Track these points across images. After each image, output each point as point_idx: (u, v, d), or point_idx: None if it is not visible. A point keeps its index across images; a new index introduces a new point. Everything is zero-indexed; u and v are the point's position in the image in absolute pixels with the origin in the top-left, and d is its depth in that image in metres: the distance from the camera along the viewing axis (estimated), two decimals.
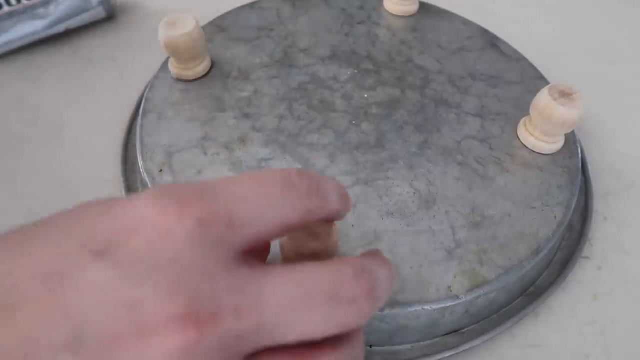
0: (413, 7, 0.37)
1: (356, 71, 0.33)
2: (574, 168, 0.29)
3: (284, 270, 0.14)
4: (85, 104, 0.35)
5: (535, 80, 0.33)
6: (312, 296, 0.14)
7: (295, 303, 0.13)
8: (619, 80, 0.39)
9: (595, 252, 0.30)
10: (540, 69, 0.34)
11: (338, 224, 0.25)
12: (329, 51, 0.34)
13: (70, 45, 0.39)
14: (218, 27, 0.35)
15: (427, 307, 0.23)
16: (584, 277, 0.29)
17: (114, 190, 0.30)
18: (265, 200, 0.14)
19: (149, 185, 0.27)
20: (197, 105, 0.31)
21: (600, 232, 0.30)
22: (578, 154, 0.30)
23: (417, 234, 0.25)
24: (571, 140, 0.30)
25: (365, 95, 0.32)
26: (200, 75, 0.32)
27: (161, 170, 0.27)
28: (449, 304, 0.23)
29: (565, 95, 0.27)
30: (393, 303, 0.23)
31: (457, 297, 0.23)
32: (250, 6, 0.37)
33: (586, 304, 0.28)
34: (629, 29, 0.44)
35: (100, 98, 0.35)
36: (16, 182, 0.31)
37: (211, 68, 0.32)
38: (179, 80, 0.32)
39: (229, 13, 0.36)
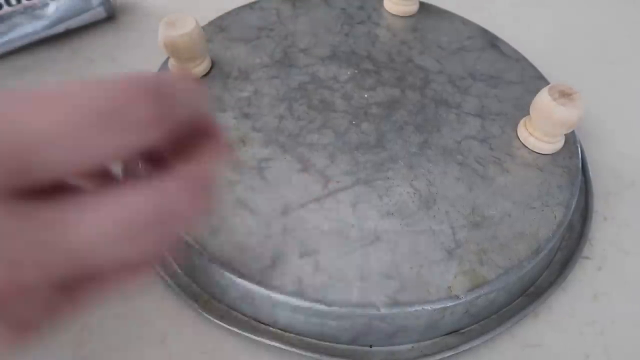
0: (413, 7, 0.37)
1: (356, 71, 0.33)
2: (574, 168, 0.29)
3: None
4: None
5: (535, 80, 0.33)
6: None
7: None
8: (619, 80, 0.39)
9: (595, 252, 0.30)
10: (540, 69, 0.34)
11: (339, 225, 0.25)
12: (329, 51, 0.34)
13: (70, 45, 0.39)
14: (218, 27, 0.35)
15: (427, 307, 0.23)
16: (584, 277, 0.29)
17: None
18: (68, 143, 0.11)
19: None
20: None
21: (600, 232, 0.30)
22: (578, 154, 0.30)
23: (417, 234, 0.25)
24: (571, 140, 0.30)
25: (365, 95, 0.32)
26: (200, 76, 0.32)
27: None
28: (449, 304, 0.23)
29: (565, 95, 0.27)
30: (393, 303, 0.23)
31: (457, 297, 0.23)
32: (250, 6, 0.37)
33: (586, 304, 0.28)
34: (629, 29, 0.44)
35: None
36: None
37: (211, 68, 0.32)
38: None
39: (229, 13, 0.36)
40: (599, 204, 0.31)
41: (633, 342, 0.26)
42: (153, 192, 0.12)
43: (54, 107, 0.12)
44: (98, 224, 0.12)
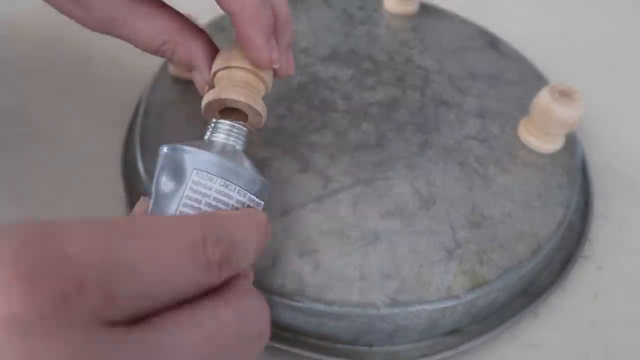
0: (413, 7, 0.37)
1: (356, 71, 0.33)
2: (574, 168, 0.29)
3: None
4: (86, 105, 0.35)
5: (535, 80, 0.33)
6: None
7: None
8: (619, 80, 0.39)
9: (595, 252, 0.30)
10: (540, 69, 0.34)
11: (339, 226, 0.26)
12: (329, 51, 0.34)
13: (70, 45, 0.39)
14: (219, 27, 0.35)
15: (427, 307, 0.23)
16: (584, 277, 0.29)
17: (114, 191, 0.30)
18: (158, 273, 0.12)
19: (149, 186, 0.27)
20: (197, 105, 0.30)
21: (600, 232, 0.30)
22: (578, 154, 0.30)
23: (417, 234, 0.25)
24: (571, 140, 0.30)
25: (366, 95, 0.32)
26: None
27: None
28: (449, 304, 0.23)
29: (565, 95, 0.27)
30: (393, 303, 0.23)
31: (457, 297, 0.23)
32: None
33: (586, 304, 0.28)
34: (630, 29, 0.44)
35: (101, 98, 0.35)
36: (16, 182, 0.31)
37: None
38: (179, 80, 0.32)
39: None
40: (599, 204, 0.31)
41: (633, 342, 0.26)
42: (231, 306, 0.14)
43: (146, 241, 0.13)
44: (192, 342, 0.13)
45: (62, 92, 0.36)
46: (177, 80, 0.32)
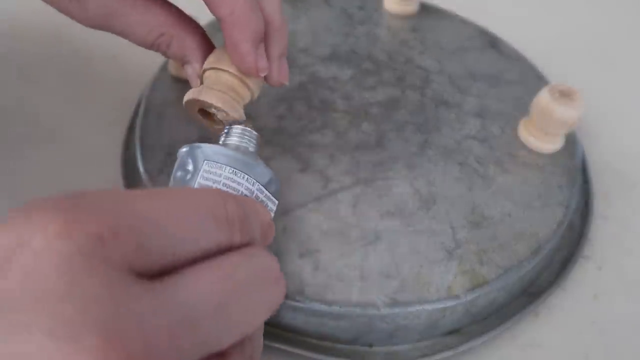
0: (413, 7, 0.37)
1: (356, 71, 0.33)
2: (574, 168, 0.29)
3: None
4: (85, 104, 0.35)
5: (535, 80, 0.33)
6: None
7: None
8: (618, 80, 0.39)
9: (595, 252, 0.30)
10: (540, 69, 0.34)
11: (339, 225, 0.25)
12: (329, 51, 0.34)
13: (70, 44, 0.39)
14: (217, 27, 0.35)
15: (427, 307, 0.23)
16: (584, 277, 0.29)
17: None
18: (184, 228, 0.13)
19: (149, 186, 0.27)
20: None
21: (600, 232, 0.30)
22: (578, 153, 0.30)
23: (417, 234, 0.25)
24: (571, 140, 0.30)
25: (366, 95, 0.32)
26: None
27: (161, 171, 0.27)
28: (449, 304, 0.23)
29: (565, 95, 0.27)
30: (393, 303, 0.23)
31: (457, 297, 0.23)
32: None
33: (586, 304, 0.28)
34: (630, 28, 0.44)
35: (101, 97, 0.35)
36: (16, 182, 0.31)
37: None
38: (179, 80, 0.32)
39: None
40: (599, 204, 0.31)
41: (633, 342, 0.26)
42: (246, 253, 0.15)
43: (172, 201, 0.14)
44: (213, 284, 0.13)
45: (62, 91, 0.36)
46: (177, 79, 0.32)
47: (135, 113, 0.33)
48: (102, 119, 0.34)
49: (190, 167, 0.20)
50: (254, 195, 0.20)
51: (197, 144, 0.20)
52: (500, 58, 0.35)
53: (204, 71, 0.22)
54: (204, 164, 0.19)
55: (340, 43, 0.35)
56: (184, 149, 0.20)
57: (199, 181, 0.19)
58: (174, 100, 0.31)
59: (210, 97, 0.21)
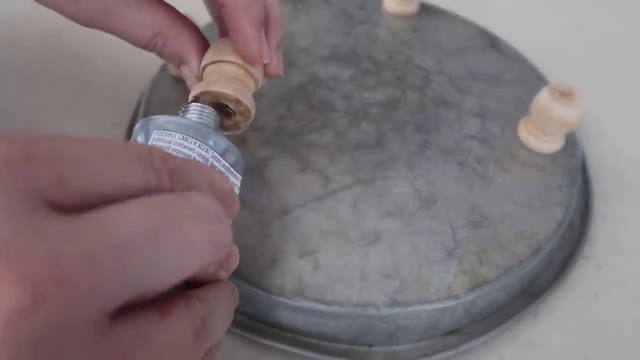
0: (413, 7, 0.37)
1: (356, 71, 0.33)
2: (574, 168, 0.29)
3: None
4: (86, 105, 0.35)
5: (535, 80, 0.33)
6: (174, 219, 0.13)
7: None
8: (619, 80, 0.39)
9: (595, 252, 0.30)
10: (540, 69, 0.34)
11: (339, 225, 0.25)
12: (329, 51, 0.34)
13: (70, 46, 0.39)
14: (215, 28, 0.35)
15: (427, 307, 0.23)
16: (584, 277, 0.29)
17: None
18: (107, 165, 0.13)
19: None
20: None
21: (600, 232, 0.30)
22: (578, 153, 0.30)
23: (417, 234, 0.25)
24: (571, 140, 0.30)
25: (366, 95, 0.32)
26: None
27: None
28: (449, 304, 0.23)
29: (565, 95, 0.27)
30: (393, 303, 0.23)
31: (457, 297, 0.23)
32: None
33: (586, 304, 0.28)
34: (630, 28, 0.44)
35: (101, 99, 0.35)
36: None
37: None
38: (179, 80, 0.32)
39: None
40: (598, 204, 0.31)
41: (633, 342, 0.26)
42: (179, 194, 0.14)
43: (98, 144, 0.13)
44: (140, 214, 0.12)
45: (62, 92, 0.36)
46: (177, 80, 0.32)
47: (136, 113, 0.33)
48: (102, 120, 0.34)
49: (140, 138, 0.19)
50: (209, 162, 0.19)
51: (151, 117, 0.19)
52: (500, 58, 0.35)
53: (204, 68, 0.22)
54: (154, 132, 0.19)
55: (340, 43, 0.35)
56: (138, 124, 0.19)
57: None
58: (175, 101, 0.31)
59: (219, 87, 0.20)
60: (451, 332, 0.25)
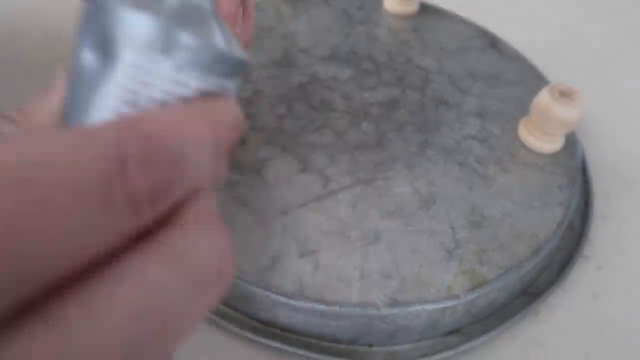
0: (413, 7, 0.37)
1: (356, 71, 0.33)
2: (574, 168, 0.29)
3: None
4: None
5: (535, 80, 0.33)
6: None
7: None
8: (619, 80, 0.39)
9: (595, 252, 0.30)
10: (540, 69, 0.34)
11: (339, 225, 0.25)
12: (329, 51, 0.34)
13: (69, 45, 0.38)
14: None
15: (427, 307, 0.23)
16: (584, 277, 0.29)
17: None
18: (49, 234, 0.08)
19: None
20: None
21: (600, 232, 0.30)
22: (578, 153, 0.30)
23: (417, 234, 0.25)
24: (571, 140, 0.30)
25: (366, 95, 0.32)
26: None
27: None
28: (449, 304, 0.23)
29: (565, 95, 0.27)
30: (393, 303, 0.23)
31: (457, 297, 0.23)
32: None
33: (586, 304, 0.28)
34: (630, 28, 0.44)
35: None
36: None
37: None
38: None
39: None
40: (599, 204, 0.31)
41: (633, 342, 0.26)
42: (171, 254, 0.10)
43: (29, 185, 0.08)
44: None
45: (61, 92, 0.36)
46: None
47: None
48: None
49: (104, 48, 0.11)
50: (208, 91, 0.12)
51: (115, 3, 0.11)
52: (500, 58, 0.35)
53: None
54: (127, 50, 0.11)
55: (340, 43, 0.35)
56: (91, 4, 0.11)
57: (120, 81, 0.11)
58: None
59: None
60: (451, 332, 0.25)
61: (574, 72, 0.38)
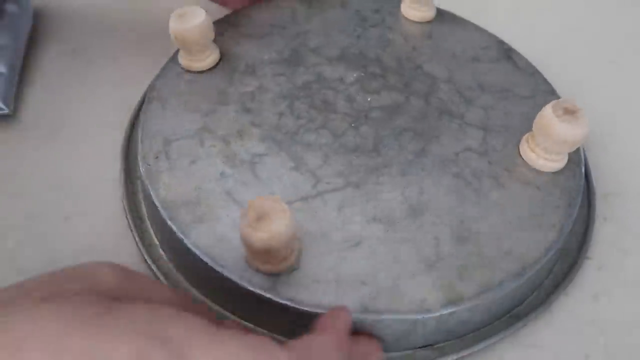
0: (430, 14, 0.36)
1: (363, 74, 0.33)
2: (574, 190, 0.27)
3: None
4: (86, 104, 0.35)
5: (546, 95, 0.32)
6: None
7: None
8: (619, 80, 0.38)
9: (595, 252, 0.29)
10: (553, 82, 0.33)
11: (322, 226, 0.25)
12: (338, 52, 0.34)
13: (70, 45, 0.39)
14: (230, 23, 0.36)
15: (398, 318, 0.23)
16: (584, 277, 0.28)
17: (113, 190, 0.31)
18: None
19: (143, 174, 0.27)
20: (201, 96, 0.31)
21: (601, 232, 0.30)
22: (581, 174, 0.28)
23: (400, 243, 0.25)
24: (575, 160, 0.29)
25: (369, 99, 0.31)
26: (207, 68, 0.32)
27: (157, 157, 0.28)
28: (420, 316, 0.23)
29: (569, 112, 0.26)
30: (364, 310, 0.23)
31: (430, 310, 0.23)
32: (266, 4, 0.37)
33: (586, 304, 0.27)
34: (626, 32, 0.42)
35: (101, 98, 0.35)
36: (16, 182, 0.31)
37: (219, 61, 0.33)
38: (188, 71, 0.32)
39: (243, 10, 0.37)
40: (599, 204, 0.31)
41: (633, 342, 0.26)
42: None
43: None
44: None
45: (61, 92, 0.36)
46: (186, 71, 0.32)
47: (137, 113, 0.34)
48: (102, 119, 0.34)
49: None
50: None
51: None
52: (513, 71, 0.34)
53: None
54: None
55: (350, 45, 0.35)
56: None
57: None
58: (180, 91, 0.31)
59: None
60: (423, 347, 0.24)
61: (576, 72, 0.37)
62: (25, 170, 0.32)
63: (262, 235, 0.20)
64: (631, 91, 0.38)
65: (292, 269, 0.24)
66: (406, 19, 0.37)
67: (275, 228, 0.20)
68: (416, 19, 0.36)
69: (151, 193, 0.26)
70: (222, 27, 0.35)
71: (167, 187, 0.26)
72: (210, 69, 0.32)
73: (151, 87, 0.32)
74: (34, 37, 0.39)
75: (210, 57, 0.32)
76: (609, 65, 0.40)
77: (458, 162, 0.28)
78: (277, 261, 0.23)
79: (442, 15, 0.37)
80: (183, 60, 0.32)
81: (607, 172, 0.32)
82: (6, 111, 0.34)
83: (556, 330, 0.26)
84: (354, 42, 0.35)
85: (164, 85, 0.32)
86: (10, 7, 0.38)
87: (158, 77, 0.32)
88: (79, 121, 0.34)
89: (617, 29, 0.43)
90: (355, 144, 0.29)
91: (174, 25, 0.30)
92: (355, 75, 0.33)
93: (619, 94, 0.37)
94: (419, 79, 0.33)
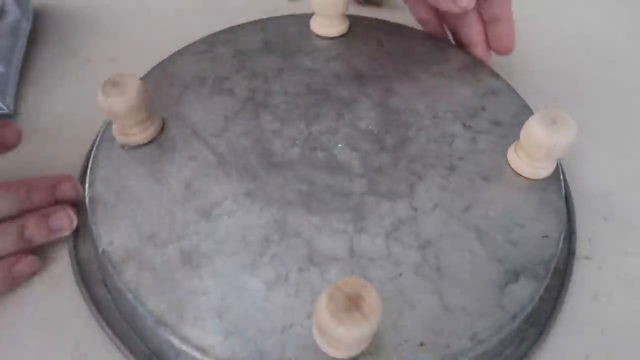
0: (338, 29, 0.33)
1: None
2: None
3: None
4: (86, 105, 0.34)
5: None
6: None
7: None
8: (619, 80, 0.39)
9: (595, 252, 0.29)
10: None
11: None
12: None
13: (70, 45, 0.38)
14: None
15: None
16: (584, 277, 0.28)
17: None
18: None
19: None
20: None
21: (600, 232, 0.30)
22: (559, 189, 0.27)
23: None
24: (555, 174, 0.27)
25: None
26: (145, 142, 0.28)
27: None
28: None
29: (555, 121, 0.24)
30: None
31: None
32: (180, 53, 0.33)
33: (586, 304, 0.27)
34: (624, 33, 0.42)
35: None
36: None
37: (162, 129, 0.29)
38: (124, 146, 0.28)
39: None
40: (599, 204, 0.31)
41: (633, 342, 0.26)
42: None
43: None
44: None
45: (61, 93, 0.35)
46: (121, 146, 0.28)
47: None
48: (102, 120, 0.32)
49: None
50: None
51: None
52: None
53: None
54: None
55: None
56: None
57: None
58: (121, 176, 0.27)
59: None
60: None
61: (577, 72, 0.37)
62: (25, 170, 0.31)
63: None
64: (631, 91, 0.38)
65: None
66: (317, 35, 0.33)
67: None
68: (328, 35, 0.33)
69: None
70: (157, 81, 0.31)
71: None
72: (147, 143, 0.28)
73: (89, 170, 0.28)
74: (34, 37, 0.38)
75: (148, 130, 0.28)
76: (609, 65, 0.40)
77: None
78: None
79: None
80: (117, 134, 0.28)
81: (607, 172, 0.33)
82: (6, 111, 0.33)
83: (556, 329, 0.26)
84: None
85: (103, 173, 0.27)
86: (10, 7, 0.37)
87: (94, 158, 0.28)
88: (79, 121, 0.34)
89: (616, 29, 0.42)
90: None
91: (103, 98, 0.26)
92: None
93: (618, 93, 0.38)
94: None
